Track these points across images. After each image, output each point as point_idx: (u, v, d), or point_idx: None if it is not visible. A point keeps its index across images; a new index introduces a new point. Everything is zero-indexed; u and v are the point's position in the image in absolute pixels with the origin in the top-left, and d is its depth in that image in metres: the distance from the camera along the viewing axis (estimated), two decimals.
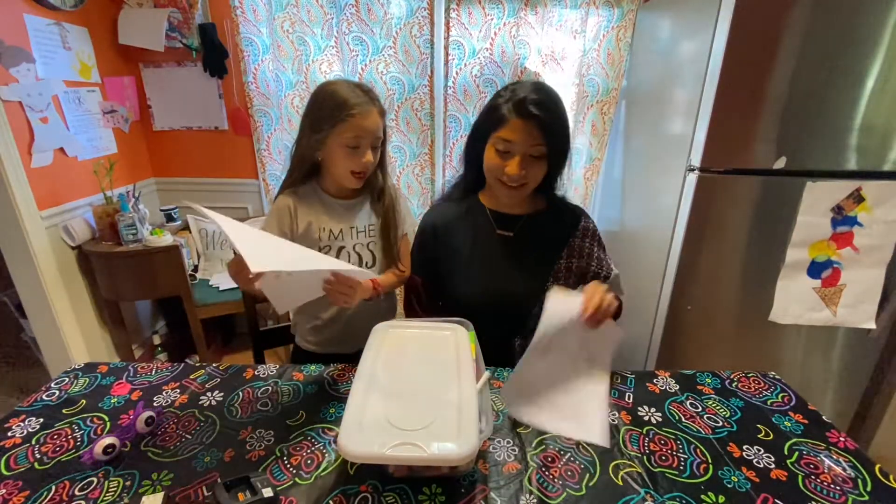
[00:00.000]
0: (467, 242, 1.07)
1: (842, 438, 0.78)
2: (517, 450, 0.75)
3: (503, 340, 1.05)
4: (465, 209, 1.09)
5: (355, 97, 0.96)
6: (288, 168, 1.09)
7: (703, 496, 0.66)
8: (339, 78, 1.10)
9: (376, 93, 1.01)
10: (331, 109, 0.96)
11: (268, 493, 0.61)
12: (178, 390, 0.90)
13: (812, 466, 0.72)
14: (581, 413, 0.75)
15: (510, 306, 1.04)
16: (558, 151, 0.96)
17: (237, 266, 0.88)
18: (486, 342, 1.04)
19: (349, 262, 1.09)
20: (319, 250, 1.06)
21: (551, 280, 1.04)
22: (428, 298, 1.12)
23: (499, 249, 1.06)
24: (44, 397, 0.87)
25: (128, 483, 0.68)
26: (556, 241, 1.05)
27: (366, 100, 0.97)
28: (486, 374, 0.74)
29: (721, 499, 0.66)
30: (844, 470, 0.72)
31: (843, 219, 1.28)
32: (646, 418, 0.83)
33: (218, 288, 1.99)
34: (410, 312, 1.14)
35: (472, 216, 1.08)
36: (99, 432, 0.78)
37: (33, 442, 0.75)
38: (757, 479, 0.69)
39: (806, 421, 0.83)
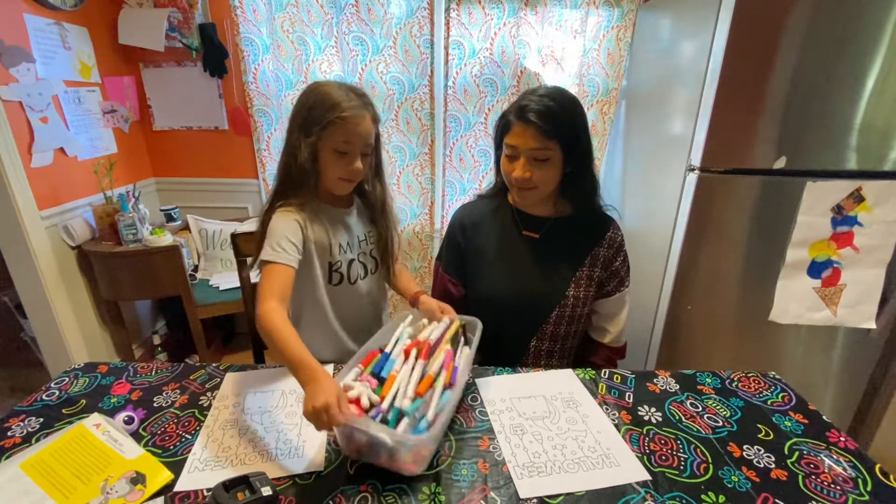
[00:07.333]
0: (493, 240, 1.09)
1: (842, 438, 0.78)
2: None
3: (520, 339, 1.06)
4: (494, 207, 1.12)
5: (348, 100, 0.91)
6: (277, 179, 0.98)
7: (703, 496, 0.66)
8: (333, 80, 1.04)
9: (370, 98, 0.96)
10: (322, 111, 0.90)
11: (266, 492, 0.61)
12: (178, 391, 0.90)
13: (812, 466, 0.72)
14: None
15: (529, 306, 1.05)
16: (569, 155, 0.95)
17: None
18: (503, 340, 1.05)
19: (361, 272, 1.05)
20: (330, 266, 1.01)
21: (571, 286, 1.04)
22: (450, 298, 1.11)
23: (523, 250, 1.07)
24: (44, 397, 0.87)
25: None
26: (581, 247, 1.05)
27: (359, 104, 0.92)
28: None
29: (721, 499, 0.66)
30: (845, 470, 0.72)
31: (843, 218, 1.28)
32: (646, 418, 0.83)
33: (218, 288, 1.99)
34: None
35: (501, 215, 1.10)
36: None
37: (33, 442, 0.75)
38: (757, 479, 0.69)
39: (806, 421, 0.83)
